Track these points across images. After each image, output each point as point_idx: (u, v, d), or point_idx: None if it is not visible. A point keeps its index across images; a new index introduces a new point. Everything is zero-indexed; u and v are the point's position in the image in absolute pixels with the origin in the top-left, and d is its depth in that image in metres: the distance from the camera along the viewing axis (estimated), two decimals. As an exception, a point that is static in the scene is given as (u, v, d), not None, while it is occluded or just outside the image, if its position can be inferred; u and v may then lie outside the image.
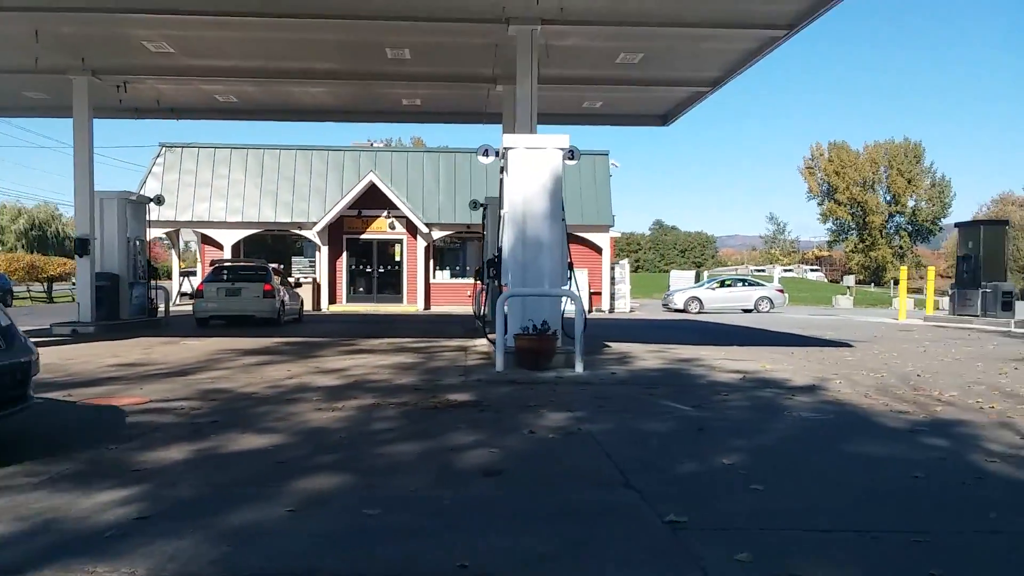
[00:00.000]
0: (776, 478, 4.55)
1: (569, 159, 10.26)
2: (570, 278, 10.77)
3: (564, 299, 10.68)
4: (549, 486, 4.41)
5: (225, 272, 19.25)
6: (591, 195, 29.63)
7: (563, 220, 10.13)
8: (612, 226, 30.18)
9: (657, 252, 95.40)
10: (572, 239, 29.27)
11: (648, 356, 12.13)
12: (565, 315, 11.25)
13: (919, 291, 40.73)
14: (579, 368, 9.48)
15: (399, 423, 6.24)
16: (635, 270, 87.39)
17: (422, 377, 9.25)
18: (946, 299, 23.71)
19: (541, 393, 7.99)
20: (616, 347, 13.66)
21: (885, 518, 3.79)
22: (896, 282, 43.08)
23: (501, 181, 10.69)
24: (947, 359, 11.94)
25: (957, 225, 24.08)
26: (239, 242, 30.57)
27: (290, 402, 7.22)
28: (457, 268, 31.74)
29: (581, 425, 6.20)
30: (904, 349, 13.80)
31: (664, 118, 18.03)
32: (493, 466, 4.82)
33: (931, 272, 25.51)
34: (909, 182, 70.51)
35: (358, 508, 3.87)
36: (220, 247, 30.17)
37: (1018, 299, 20.91)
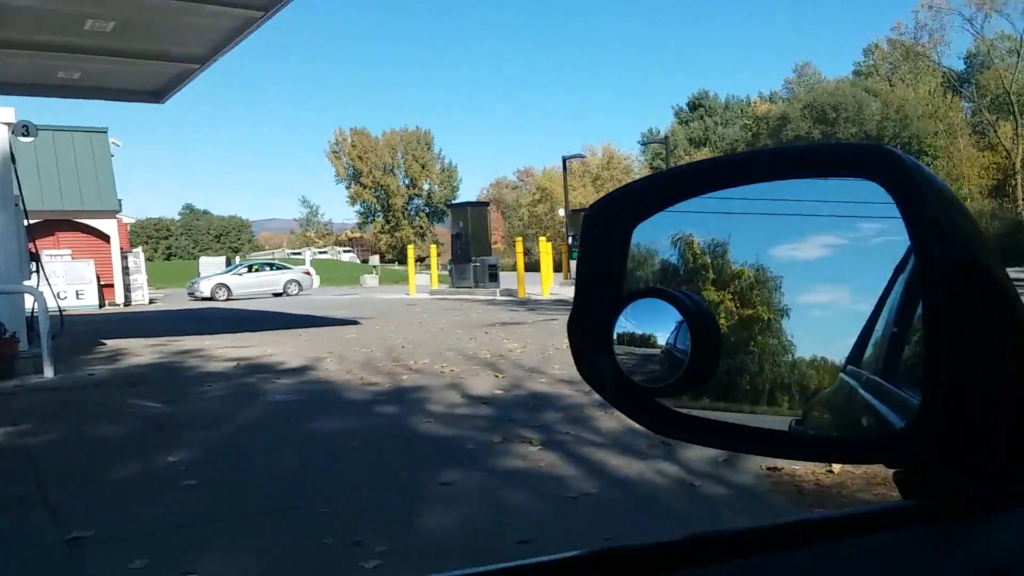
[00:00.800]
0: (216, 470, 4.49)
1: (24, 135, 8.99)
2: (36, 271, 9.49)
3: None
4: (-61, 522, 3.76)
5: None
6: (90, 178, 26.65)
7: (19, 206, 8.85)
8: (119, 211, 27.63)
9: (190, 238, 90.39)
10: (73, 227, 26.28)
11: (145, 351, 11.32)
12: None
13: (444, 267, 44.69)
14: (48, 372, 8.42)
15: None
16: (167, 258, 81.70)
17: None
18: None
19: (-13, 408, 6.90)
20: (113, 344, 12.52)
21: (304, 494, 3.95)
22: (419, 259, 46.83)
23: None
24: (435, 328, 13.20)
25: (449, 206, 26.91)
26: None
27: None
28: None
29: (20, 440, 5.47)
30: (403, 322, 14.95)
31: (157, 95, 16.82)
32: None
33: (433, 249, 28.22)
34: (423, 167, 76.97)
35: None
36: None
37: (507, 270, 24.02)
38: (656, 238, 0.72)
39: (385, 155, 77.97)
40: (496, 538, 3.30)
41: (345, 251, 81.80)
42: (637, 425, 0.69)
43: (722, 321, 0.63)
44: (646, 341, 0.67)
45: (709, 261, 0.64)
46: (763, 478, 3.94)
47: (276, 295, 31.58)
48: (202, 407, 6.54)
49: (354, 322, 15.42)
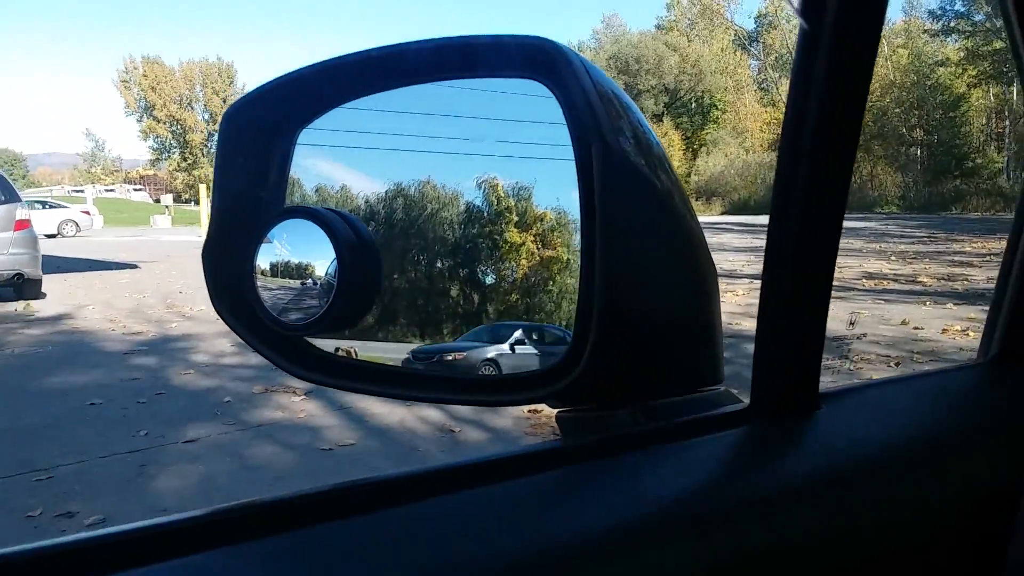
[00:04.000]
0: (-82, 436, 3.91)
1: None
2: None
3: None
4: None
5: None
6: None
7: None
8: None
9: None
10: None
11: None
12: None
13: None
14: None
15: None
16: (-80, 194, 72.35)
17: None
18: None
19: None
20: None
21: (21, 460, 3.50)
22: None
23: None
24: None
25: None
26: None
27: None
28: None
29: None
30: (188, 266, 13.98)
31: None
32: None
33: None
34: (225, 102, 72.41)
35: None
36: None
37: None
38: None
39: (182, 87, 72.58)
40: (229, 497, 3.06)
41: (136, 190, 75.86)
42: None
43: (523, 261, 0.61)
44: (303, 271, 0.59)
45: (513, 204, 0.62)
46: (522, 420, 3.95)
47: (49, 237, 28.61)
48: (-78, 364, 5.73)
49: (132, 266, 14.28)
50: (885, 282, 9.09)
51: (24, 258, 9.06)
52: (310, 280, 0.59)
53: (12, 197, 9.31)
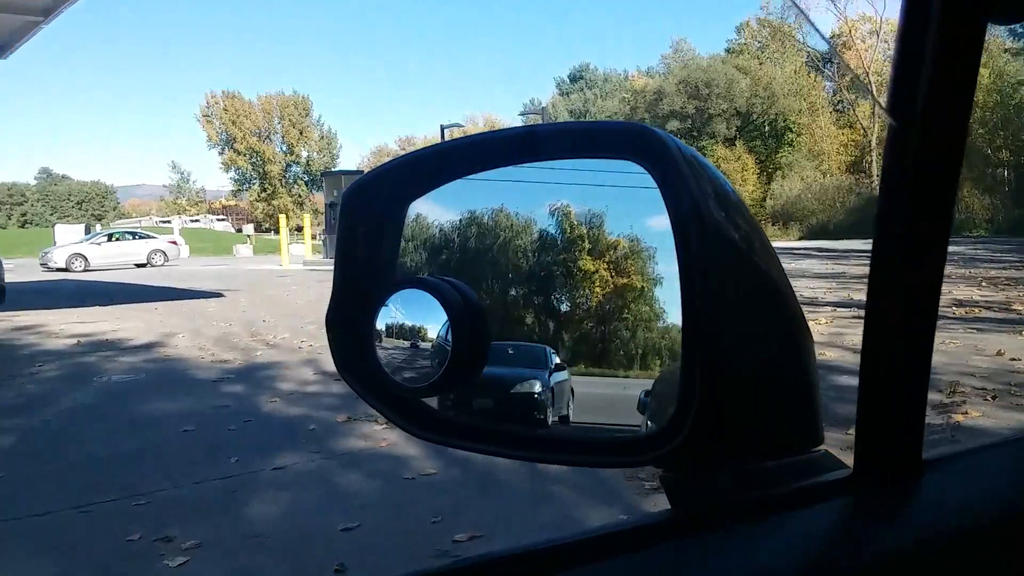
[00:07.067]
0: (29, 463, 4.12)
1: None
2: None
3: None
4: None
5: None
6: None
7: None
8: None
9: (48, 205, 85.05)
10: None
11: (-24, 329, 10.43)
12: None
13: (315, 237, 43.53)
14: None
15: None
16: (22, 226, 76.34)
17: None
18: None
19: None
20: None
21: (119, 485, 3.65)
22: (297, 229, 45.51)
23: None
24: (302, 301, 12.77)
25: (323, 175, 26.19)
26: None
27: None
28: None
29: None
30: (271, 295, 14.41)
31: (-3, 50, 15.48)
32: None
33: (307, 219, 27.42)
34: (301, 133, 74.58)
35: None
36: None
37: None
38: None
39: (260, 120, 75.10)
40: (319, 525, 3.14)
41: (219, 219, 78.64)
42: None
43: (597, 289, 0.63)
44: (416, 333, 0.62)
45: (585, 232, 0.64)
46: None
47: (139, 266, 29.93)
48: (30, 390, 6.03)
49: (217, 295, 14.76)
50: (976, 310, 8.74)
51: None
52: (423, 343, 0.61)
53: None
